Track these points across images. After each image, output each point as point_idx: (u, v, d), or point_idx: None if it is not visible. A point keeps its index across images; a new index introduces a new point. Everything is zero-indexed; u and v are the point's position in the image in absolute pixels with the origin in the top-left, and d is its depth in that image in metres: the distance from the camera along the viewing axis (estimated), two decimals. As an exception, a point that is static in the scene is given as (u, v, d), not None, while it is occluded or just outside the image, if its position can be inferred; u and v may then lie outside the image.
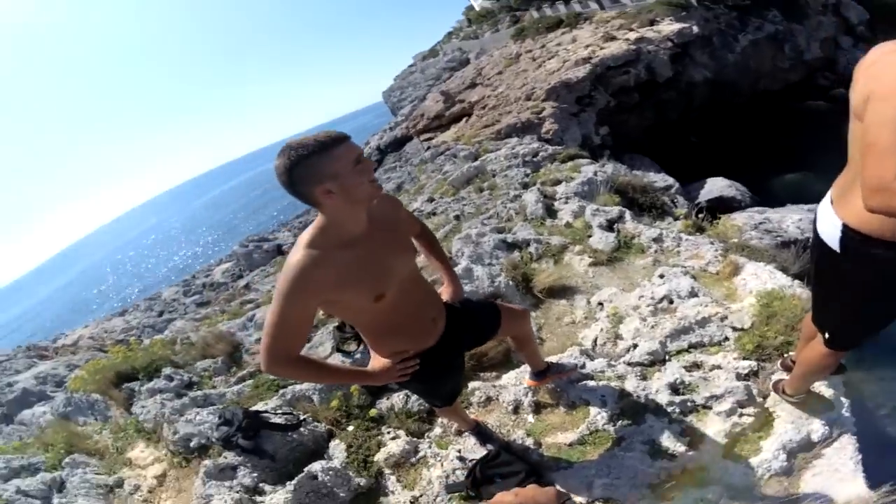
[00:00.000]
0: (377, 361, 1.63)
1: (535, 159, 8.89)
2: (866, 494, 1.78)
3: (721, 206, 11.20)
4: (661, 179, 7.35)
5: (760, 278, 3.05)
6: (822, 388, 2.19)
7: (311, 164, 1.20)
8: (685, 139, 18.84)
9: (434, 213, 6.56)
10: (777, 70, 22.79)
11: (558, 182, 6.26)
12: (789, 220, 7.60)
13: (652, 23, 20.78)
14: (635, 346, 2.70)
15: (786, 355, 2.34)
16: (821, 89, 21.63)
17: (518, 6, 37.16)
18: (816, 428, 2.05)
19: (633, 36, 19.04)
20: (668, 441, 2.08)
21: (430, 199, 7.84)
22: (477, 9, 49.39)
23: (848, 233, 1.39)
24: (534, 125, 13.18)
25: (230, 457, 2.52)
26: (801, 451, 2.03)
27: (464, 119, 17.62)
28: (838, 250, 1.43)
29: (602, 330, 2.95)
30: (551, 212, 5.33)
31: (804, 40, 26.10)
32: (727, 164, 13.31)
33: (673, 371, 2.42)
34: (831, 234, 1.44)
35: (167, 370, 3.94)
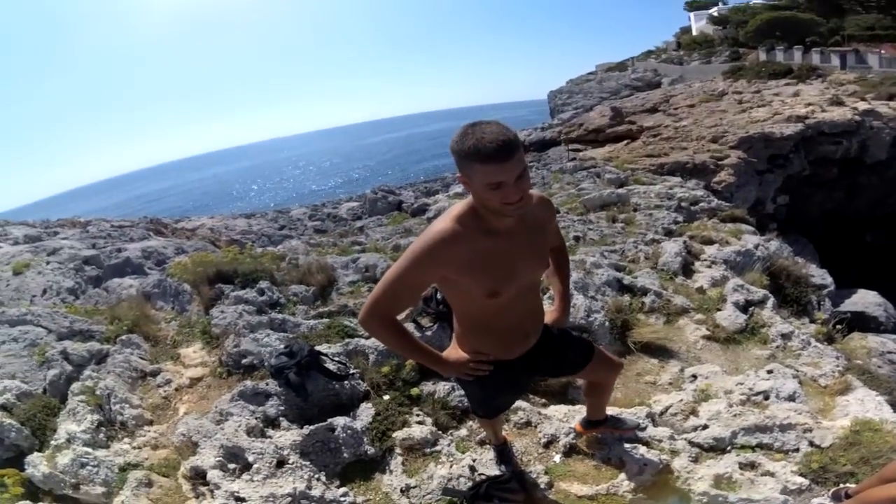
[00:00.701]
0: (455, 352, 1.61)
1: (692, 207, 8.01)
2: None
3: (861, 322, 9.49)
4: (820, 276, 6.46)
5: (865, 405, 2.84)
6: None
7: (461, 157, 1.25)
8: (860, 236, 16.51)
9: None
10: None
11: (710, 241, 5.70)
12: (927, 355, 6.23)
13: (891, 97, 17.68)
14: (706, 426, 2.59)
15: (842, 486, 2.13)
16: None
17: (746, 42, 33.98)
18: None
19: (862, 106, 16.41)
20: None
21: (556, 211, 7.75)
22: (693, 32, 45.67)
23: None
24: (707, 170, 11.73)
25: (272, 385, 2.53)
26: None
27: (625, 141, 16.44)
28: None
29: (681, 401, 2.81)
30: (687, 270, 4.89)
31: None
32: (889, 278, 11.85)
33: (726, 464, 2.33)
34: None
35: (263, 283, 3.89)
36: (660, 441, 2.42)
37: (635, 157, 13.66)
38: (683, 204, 8.10)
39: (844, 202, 16.11)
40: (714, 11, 44.98)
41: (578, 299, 3.44)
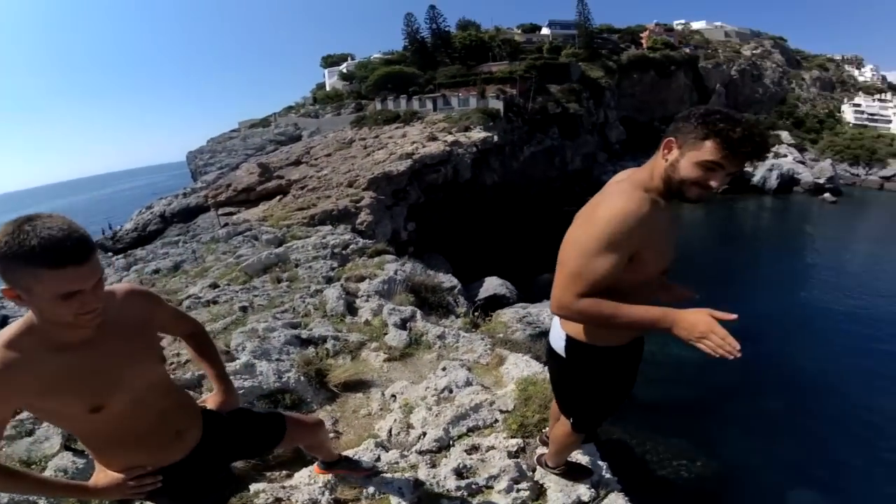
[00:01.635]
0: (103, 475, 1.36)
1: (344, 252, 8.59)
2: None
3: (495, 303, 13.09)
4: (447, 280, 8.00)
5: (519, 367, 3.59)
6: (579, 456, 2.49)
7: (14, 262, 0.95)
8: (472, 240, 20.88)
9: (215, 302, 5.96)
10: (546, 179, 28.38)
11: (363, 279, 6.30)
12: (545, 313, 8.95)
13: (467, 129, 24.15)
14: (424, 434, 2.81)
15: (543, 431, 2.60)
16: (576, 196, 26.51)
17: (367, 94, 39.05)
18: (583, 491, 2.31)
19: (450, 139, 21.65)
20: None
21: (214, 286, 7.04)
22: (327, 88, 50.02)
23: (570, 342, 1.65)
24: (350, 214, 13.48)
25: None
26: None
27: (277, 197, 16.57)
28: (564, 356, 1.69)
29: (395, 420, 3.06)
30: (352, 309, 5.32)
31: (570, 154, 33.36)
32: (503, 264, 15.28)
33: (456, 456, 2.57)
34: (558, 344, 1.70)
35: None
36: (397, 463, 2.58)
37: (288, 212, 14.00)
38: (336, 250, 8.48)
39: (455, 217, 20.40)
40: (343, 68, 50.67)
41: (263, 366, 3.52)
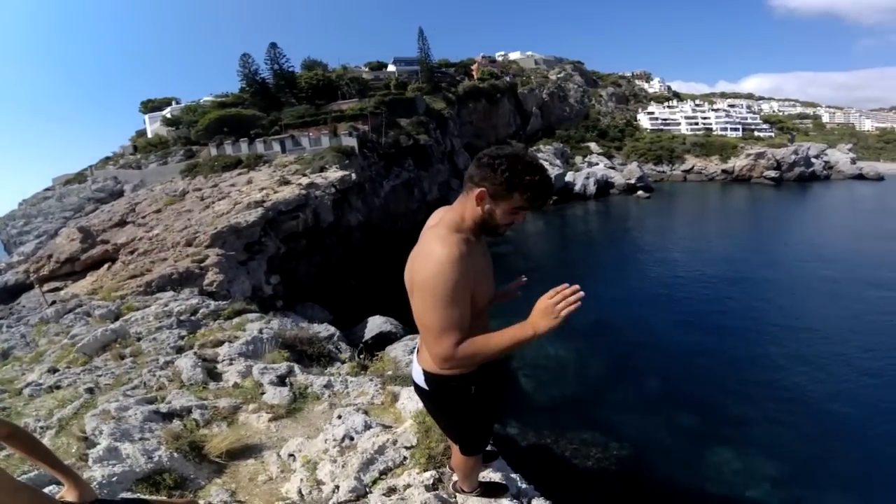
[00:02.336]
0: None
1: (193, 318, 7.93)
2: None
3: (383, 340, 12.79)
4: (324, 329, 7.75)
5: (413, 399, 3.53)
6: (490, 473, 2.52)
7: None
8: (347, 283, 20.75)
9: (58, 387, 5.47)
10: (408, 211, 29.03)
11: (220, 343, 5.90)
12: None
13: (322, 169, 23.21)
14: (337, 487, 2.72)
15: (449, 458, 2.61)
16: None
17: (198, 139, 35.58)
18: None
19: (305, 181, 20.63)
20: None
21: (53, 370, 6.48)
22: (149, 135, 44.85)
23: (428, 376, 1.73)
24: (194, 276, 11.92)
25: None
26: None
27: (106, 265, 14.83)
28: (427, 388, 1.77)
29: (302, 480, 2.90)
30: (214, 375, 4.99)
31: (428, 184, 34.73)
32: (383, 302, 15.23)
33: (375, 502, 2.53)
34: (420, 379, 1.79)
35: None
36: None
37: (120, 281, 12.44)
38: (183, 317, 7.93)
39: (324, 263, 19.75)
40: (167, 113, 46.12)
41: (127, 448, 3.15)
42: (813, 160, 63.21)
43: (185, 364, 5.06)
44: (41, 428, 3.86)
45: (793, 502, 9.77)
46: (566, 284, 1.39)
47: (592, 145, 61.76)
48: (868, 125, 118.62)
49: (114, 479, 2.71)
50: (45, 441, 3.50)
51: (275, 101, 40.88)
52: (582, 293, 1.38)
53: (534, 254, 29.77)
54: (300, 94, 41.55)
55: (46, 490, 2.36)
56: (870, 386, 13.93)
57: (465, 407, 1.79)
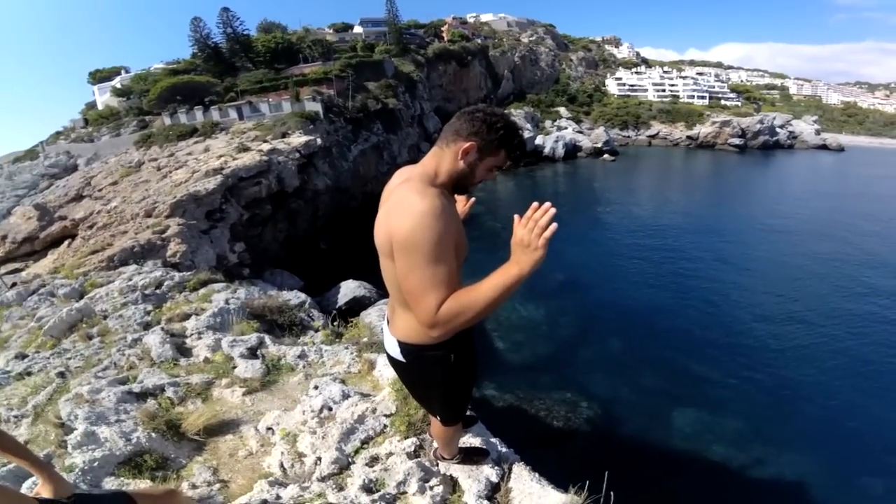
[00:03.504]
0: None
1: (158, 291, 7.60)
2: (570, 498, 2.12)
3: (357, 306, 12.73)
4: (294, 297, 7.53)
5: (390, 367, 3.50)
6: (471, 439, 2.52)
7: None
8: (317, 247, 20.57)
9: (29, 373, 5.24)
10: (379, 174, 28.66)
11: (187, 316, 5.71)
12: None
13: (284, 135, 22.62)
14: (319, 459, 2.68)
15: (429, 425, 2.60)
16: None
17: (150, 109, 33.88)
18: (489, 472, 2.36)
19: (266, 147, 20.01)
20: None
21: (22, 356, 6.24)
22: (99, 107, 42.29)
23: (403, 346, 1.66)
24: (156, 247, 11.56)
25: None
26: (495, 493, 2.29)
27: (65, 242, 14.24)
28: (404, 360, 1.70)
29: (283, 453, 2.85)
30: (184, 350, 4.85)
31: (397, 147, 34.22)
32: (355, 266, 15.06)
33: (359, 473, 2.50)
34: (395, 350, 1.71)
35: None
36: (301, 496, 2.41)
37: (81, 258, 11.90)
38: (148, 291, 7.69)
39: (291, 228, 19.45)
40: (117, 83, 43.59)
41: (105, 431, 3.09)
42: (778, 130, 65.02)
43: (154, 341, 4.97)
44: (15, 417, 3.76)
45: (752, 460, 10.27)
46: (535, 204, 1.29)
47: (562, 110, 61.84)
48: (834, 98, 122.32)
49: (95, 464, 2.66)
50: (22, 430, 3.43)
51: (230, 66, 39.12)
52: (553, 209, 1.27)
53: (504, 214, 30.07)
54: (257, 59, 39.78)
55: (28, 483, 2.34)
56: (826, 344, 14.72)
57: (444, 376, 1.71)
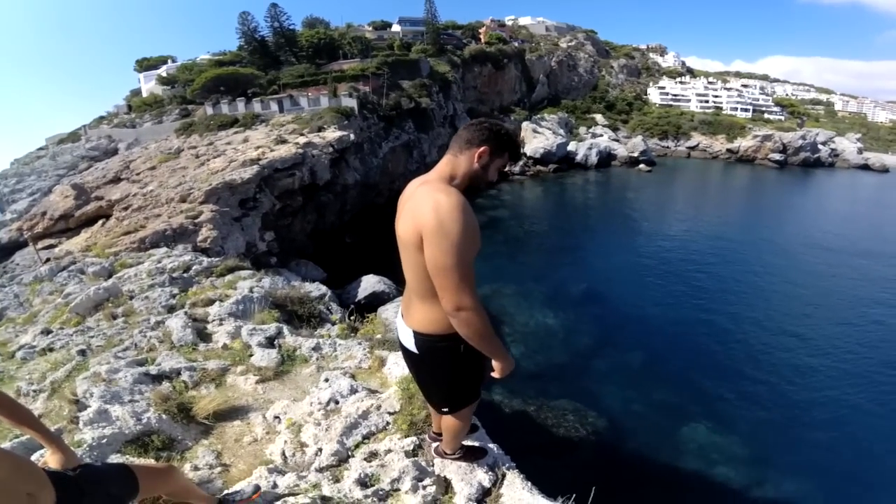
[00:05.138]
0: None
1: (185, 275, 7.79)
2: None
3: (376, 301, 12.80)
4: (315, 289, 7.56)
5: (400, 365, 3.57)
6: (470, 440, 2.61)
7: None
8: (342, 240, 20.95)
9: (51, 349, 5.38)
10: (407, 172, 28.79)
11: (211, 302, 5.80)
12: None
13: (320, 129, 23.08)
14: (320, 450, 2.74)
15: (430, 426, 2.69)
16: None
17: (193, 98, 34.92)
18: (482, 477, 2.40)
19: (302, 140, 20.39)
20: None
21: (47, 332, 6.33)
22: (144, 94, 44.01)
23: (418, 337, 1.79)
24: (188, 232, 11.91)
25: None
26: (485, 497, 2.35)
27: (100, 221, 14.75)
28: (417, 352, 1.83)
29: (286, 442, 2.91)
30: (204, 336, 4.93)
31: (427, 147, 34.26)
32: (377, 261, 15.22)
33: (356, 467, 2.55)
34: (409, 342, 1.84)
35: None
36: (297, 485, 2.46)
37: (114, 238, 12.33)
38: (175, 274, 7.79)
39: (319, 220, 19.82)
40: (163, 71, 44.96)
41: (117, 410, 3.18)
42: (820, 146, 62.28)
43: (176, 324, 5.03)
44: (34, 391, 3.89)
45: (758, 481, 10.02)
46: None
47: (598, 117, 60.73)
48: (882, 116, 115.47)
49: (104, 441, 2.74)
50: (38, 404, 3.54)
51: (274, 59, 39.84)
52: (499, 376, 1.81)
53: (529, 218, 29.78)
54: (300, 53, 40.48)
55: (36, 455, 2.40)
56: (847, 371, 14.12)
57: (454, 366, 1.84)
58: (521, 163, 43.54)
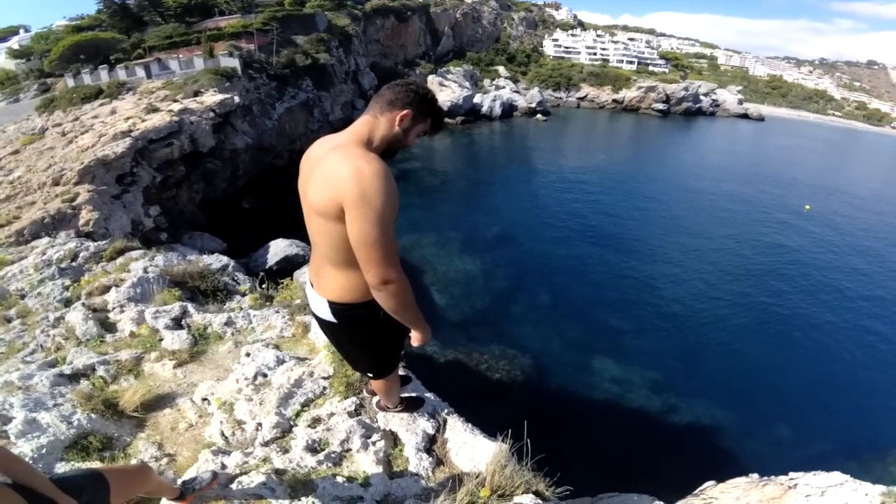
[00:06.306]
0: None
1: (74, 263, 7.28)
2: (498, 446, 2.28)
3: (290, 266, 12.54)
4: (215, 260, 7.21)
5: None
6: (406, 392, 2.71)
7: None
8: (239, 207, 19.94)
9: None
10: (309, 132, 27.66)
11: (107, 289, 5.46)
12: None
13: (196, 94, 21.22)
14: (260, 425, 2.72)
15: (366, 384, 2.79)
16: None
17: (52, 71, 30.60)
18: (424, 424, 2.50)
19: (176, 107, 18.81)
20: (349, 490, 2.22)
21: None
22: None
23: (334, 306, 1.72)
24: (68, 217, 10.85)
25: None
26: (432, 445, 2.45)
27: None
28: (335, 321, 1.77)
29: (222, 422, 2.86)
30: (108, 325, 4.68)
31: (329, 105, 32.89)
32: (284, 224, 14.72)
33: (302, 434, 2.54)
34: (324, 311, 1.77)
35: None
36: (246, 462, 2.47)
37: None
38: (63, 265, 7.34)
39: (208, 188, 18.61)
40: (14, 43, 39.18)
41: (45, 417, 3.03)
42: (702, 97, 68.43)
43: (76, 318, 4.75)
44: None
45: (666, 407, 11.21)
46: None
47: (501, 69, 61.81)
48: (761, 71, 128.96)
49: (43, 451, 2.67)
50: None
51: (137, 21, 35.74)
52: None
53: (441, 170, 30.29)
54: (167, 13, 36.37)
55: None
56: (735, 302, 16.13)
57: (374, 333, 1.80)
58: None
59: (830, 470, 2.15)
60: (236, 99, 21.30)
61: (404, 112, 1.59)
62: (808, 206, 27.04)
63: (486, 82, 56.11)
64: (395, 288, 1.51)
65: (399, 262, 1.50)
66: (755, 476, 2.34)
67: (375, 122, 1.61)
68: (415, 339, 1.78)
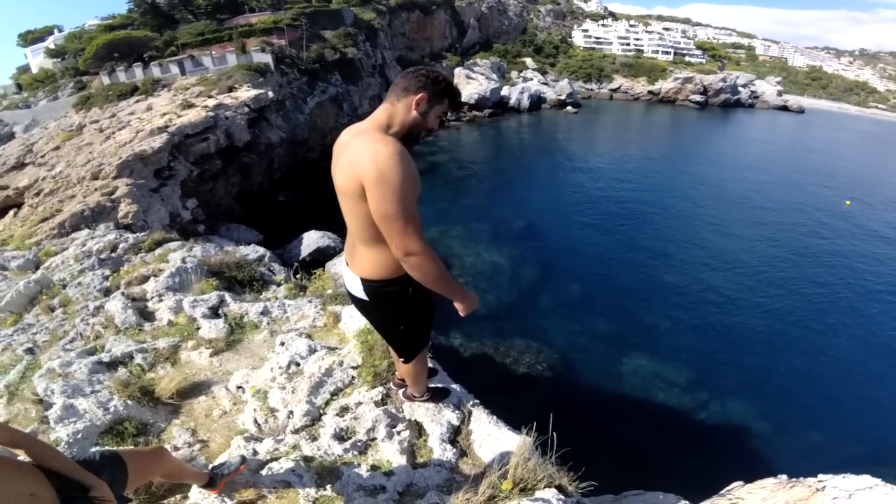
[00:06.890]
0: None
1: (114, 254, 7.53)
2: (522, 439, 2.29)
3: (322, 257, 12.76)
4: (252, 251, 7.40)
5: (355, 318, 3.60)
6: (433, 383, 2.73)
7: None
8: (274, 199, 20.47)
9: None
10: (339, 126, 27.92)
11: (145, 279, 5.54)
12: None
13: (230, 89, 21.67)
14: (291, 413, 2.78)
15: (393, 375, 2.83)
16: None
17: (87, 69, 31.64)
18: (449, 415, 2.54)
19: (211, 103, 19.23)
20: (372, 479, 2.26)
21: None
22: (34, 71, 39.67)
23: (367, 284, 1.81)
24: (107, 210, 11.31)
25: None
26: (457, 436, 2.49)
27: (11, 213, 13.73)
28: (367, 299, 1.85)
29: (255, 410, 2.93)
30: (146, 314, 4.81)
31: (358, 99, 33.17)
32: (318, 216, 14.95)
33: (330, 423, 2.62)
34: (357, 290, 1.85)
35: None
36: (277, 449, 2.53)
37: (31, 227, 11.62)
38: (103, 255, 7.62)
39: (244, 181, 19.14)
40: (50, 43, 40.35)
41: (83, 403, 3.15)
42: (740, 88, 65.75)
43: (116, 307, 4.86)
44: None
45: (695, 405, 10.85)
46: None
47: (528, 61, 60.91)
48: (801, 62, 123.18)
49: (79, 435, 2.76)
50: (0, 411, 3.47)
51: (168, 19, 36.54)
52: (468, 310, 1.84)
53: (468, 162, 30.15)
54: (198, 11, 37.07)
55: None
56: (770, 301, 15.41)
57: (404, 309, 1.88)
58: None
59: (860, 473, 2.07)
60: (270, 94, 21.71)
61: (419, 96, 1.68)
62: (847, 203, 25.77)
63: (514, 74, 55.49)
64: (418, 260, 1.58)
65: (422, 236, 1.57)
66: (783, 477, 2.28)
67: (393, 108, 1.71)
68: (459, 309, 1.81)
